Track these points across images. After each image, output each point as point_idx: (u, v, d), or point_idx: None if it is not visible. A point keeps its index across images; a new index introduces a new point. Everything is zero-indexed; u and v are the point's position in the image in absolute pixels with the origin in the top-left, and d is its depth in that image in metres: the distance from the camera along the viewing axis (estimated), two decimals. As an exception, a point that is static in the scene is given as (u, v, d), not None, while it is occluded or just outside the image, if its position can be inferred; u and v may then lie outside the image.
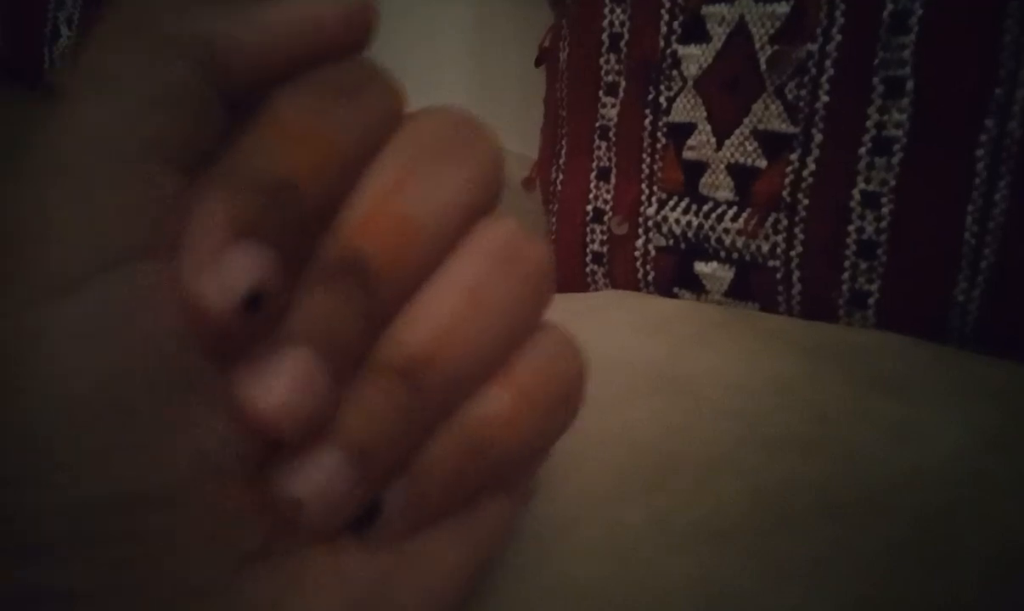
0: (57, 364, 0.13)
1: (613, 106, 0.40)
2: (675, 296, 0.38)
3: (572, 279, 0.42)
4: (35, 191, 0.14)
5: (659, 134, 0.38)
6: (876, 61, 0.32)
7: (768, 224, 0.35)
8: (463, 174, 0.16)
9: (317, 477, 0.15)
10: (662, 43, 0.37)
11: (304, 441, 0.15)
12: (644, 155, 0.38)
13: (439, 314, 0.15)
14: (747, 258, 0.35)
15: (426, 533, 0.17)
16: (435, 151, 0.16)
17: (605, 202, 0.40)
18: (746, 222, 0.35)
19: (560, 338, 0.17)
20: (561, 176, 0.43)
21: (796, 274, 0.34)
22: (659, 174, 0.38)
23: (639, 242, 0.39)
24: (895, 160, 0.32)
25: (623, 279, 0.40)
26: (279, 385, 0.14)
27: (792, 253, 0.34)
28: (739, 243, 0.35)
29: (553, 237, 0.43)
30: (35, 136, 0.14)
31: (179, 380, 0.14)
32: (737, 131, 0.35)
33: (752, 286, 0.36)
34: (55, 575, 0.13)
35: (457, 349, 0.15)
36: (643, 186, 0.38)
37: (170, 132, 0.14)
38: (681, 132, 0.37)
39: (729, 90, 0.35)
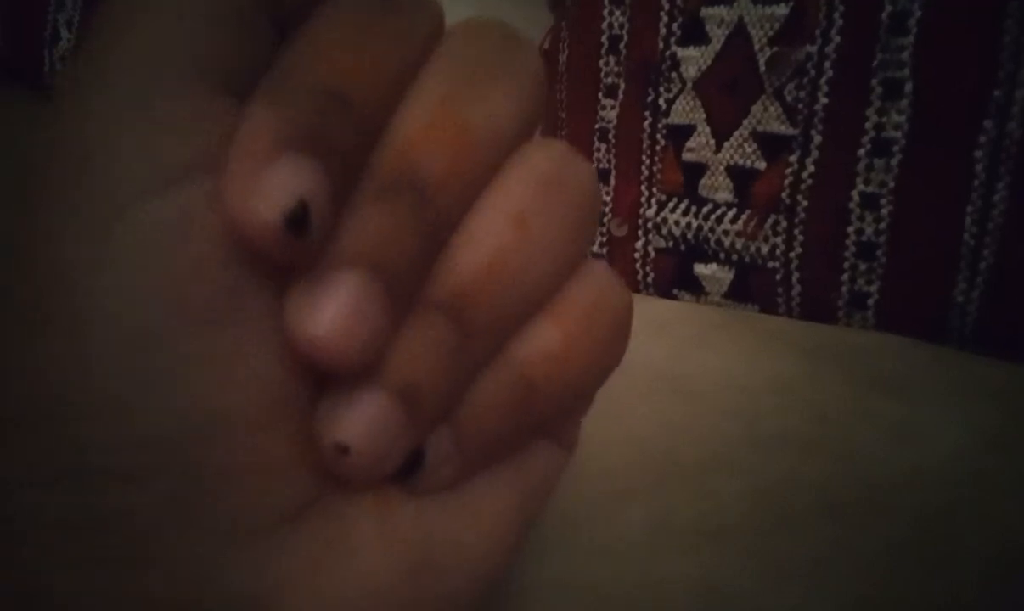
0: (111, 294, 0.13)
1: (612, 108, 0.40)
2: (675, 297, 0.38)
3: (572, 281, 0.42)
4: (83, 115, 0.14)
5: (658, 136, 0.38)
6: (875, 62, 0.32)
7: (767, 225, 0.35)
8: (514, 85, 0.15)
9: (364, 420, 0.14)
10: (661, 45, 0.38)
11: (355, 376, 0.14)
12: (643, 157, 0.38)
13: (486, 245, 0.15)
14: (746, 259, 0.35)
15: (472, 483, 0.16)
16: (484, 61, 0.15)
17: (604, 204, 0.40)
18: (745, 224, 0.35)
19: (605, 271, 0.16)
20: (560, 178, 0.43)
21: (795, 275, 0.34)
22: (658, 176, 0.38)
23: (638, 244, 0.39)
24: (894, 161, 0.32)
25: (622, 280, 0.40)
26: (330, 310, 0.13)
27: (791, 254, 0.34)
28: (738, 245, 0.35)
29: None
30: (83, 61, 0.14)
31: (230, 308, 0.13)
32: (736, 133, 0.35)
33: (752, 287, 0.36)
34: (122, 502, 0.13)
35: (505, 282, 0.15)
36: (642, 188, 0.38)
37: (218, 51, 0.14)
38: (680, 134, 0.37)
39: (728, 92, 0.35)
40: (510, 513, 0.16)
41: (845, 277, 0.33)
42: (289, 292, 0.14)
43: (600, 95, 0.40)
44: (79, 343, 0.13)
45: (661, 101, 0.38)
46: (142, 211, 0.13)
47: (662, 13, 0.37)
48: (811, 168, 0.34)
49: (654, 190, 0.38)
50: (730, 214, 0.36)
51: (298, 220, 0.13)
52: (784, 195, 0.34)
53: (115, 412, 0.13)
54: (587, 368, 0.16)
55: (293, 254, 0.13)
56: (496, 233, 0.15)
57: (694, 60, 0.36)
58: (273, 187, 0.13)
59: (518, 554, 0.17)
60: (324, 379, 0.14)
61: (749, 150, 0.35)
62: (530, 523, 0.17)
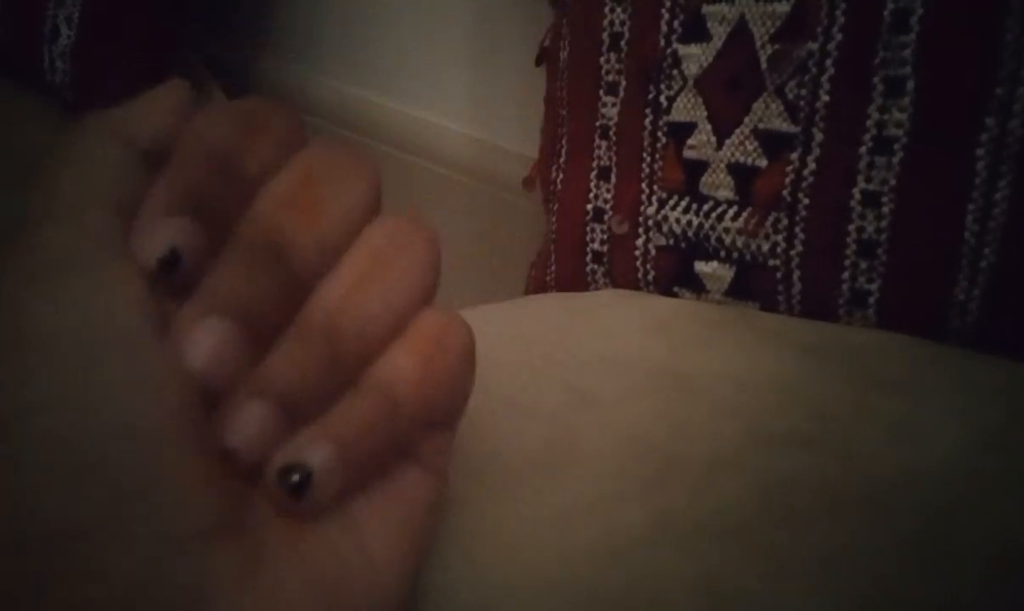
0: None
1: (613, 105, 0.40)
2: (675, 295, 0.38)
3: (572, 278, 0.42)
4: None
5: (659, 133, 0.38)
6: (877, 60, 0.32)
7: (768, 223, 0.35)
8: (359, 187, 0.20)
9: (248, 426, 0.17)
10: (663, 42, 0.37)
11: (233, 395, 0.17)
12: (644, 154, 0.38)
13: (345, 280, 0.19)
14: (747, 257, 0.35)
15: (358, 505, 0.18)
16: (333, 161, 0.20)
17: (605, 201, 0.40)
18: (746, 221, 0.35)
19: (444, 313, 0.20)
20: (561, 175, 0.43)
21: (796, 273, 0.34)
22: (659, 173, 0.38)
23: (639, 241, 0.39)
24: (896, 159, 0.32)
25: (623, 278, 0.40)
26: (202, 349, 0.17)
27: (792, 252, 0.34)
28: (739, 242, 0.35)
29: (553, 236, 0.43)
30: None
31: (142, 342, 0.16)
32: (738, 130, 0.35)
33: (752, 285, 0.36)
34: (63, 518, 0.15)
35: (365, 302, 0.19)
36: (643, 185, 0.38)
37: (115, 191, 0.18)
38: (681, 131, 0.37)
39: (730, 89, 0.35)
40: (395, 536, 0.19)
41: (846, 275, 0.33)
42: (174, 327, 0.17)
43: (601, 92, 0.40)
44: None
45: (662, 98, 0.38)
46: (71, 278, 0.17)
47: (663, 10, 0.37)
48: (812, 166, 0.34)
49: (655, 188, 0.38)
50: (731, 212, 0.36)
51: (172, 263, 0.17)
52: (785, 193, 0.34)
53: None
54: (440, 389, 0.19)
55: (171, 287, 0.17)
56: (357, 268, 0.19)
57: (695, 57, 0.36)
58: (155, 238, 0.17)
59: (414, 572, 0.19)
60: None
61: (750, 148, 0.35)
62: (418, 551, 0.19)
